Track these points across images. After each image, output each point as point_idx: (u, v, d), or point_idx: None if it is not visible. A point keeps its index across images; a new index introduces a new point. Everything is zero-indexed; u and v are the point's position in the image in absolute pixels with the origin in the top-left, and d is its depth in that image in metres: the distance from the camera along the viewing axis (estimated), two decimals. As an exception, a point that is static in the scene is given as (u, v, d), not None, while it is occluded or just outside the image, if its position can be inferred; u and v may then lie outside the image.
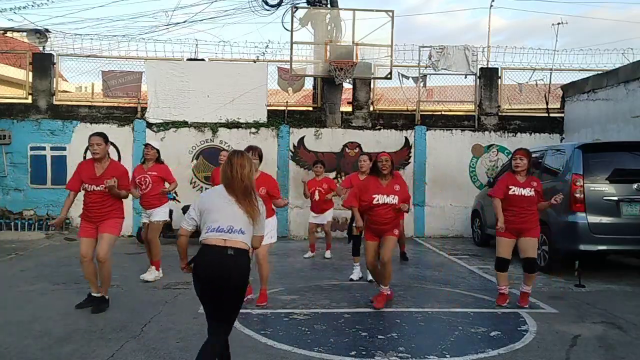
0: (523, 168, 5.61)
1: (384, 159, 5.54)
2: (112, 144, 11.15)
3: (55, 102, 11.72)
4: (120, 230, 5.62)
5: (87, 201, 5.52)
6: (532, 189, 5.56)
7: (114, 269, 6.99)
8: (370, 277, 6.82)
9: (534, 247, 5.59)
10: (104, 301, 5.40)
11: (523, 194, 5.52)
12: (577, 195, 7.00)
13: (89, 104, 12.09)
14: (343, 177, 11.44)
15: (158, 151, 6.95)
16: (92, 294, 5.43)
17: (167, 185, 6.93)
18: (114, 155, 11.26)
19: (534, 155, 8.41)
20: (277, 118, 11.88)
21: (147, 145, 7.01)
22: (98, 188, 5.41)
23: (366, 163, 7.16)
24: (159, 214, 6.84)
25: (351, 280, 6.87)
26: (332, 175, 11.51)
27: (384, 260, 5.50)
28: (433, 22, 76.00)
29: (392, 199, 5.47)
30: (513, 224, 5.56)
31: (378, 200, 5.47)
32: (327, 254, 8.65)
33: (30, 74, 11.71)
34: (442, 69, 12.05)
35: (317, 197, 8.41)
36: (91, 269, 5.40)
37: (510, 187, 5.59)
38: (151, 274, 6.78)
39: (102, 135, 5.51)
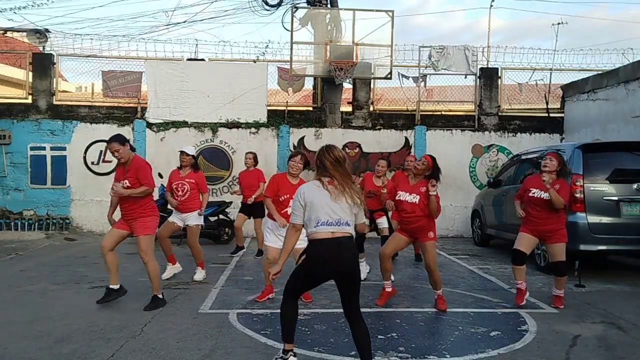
0: (551, 169, 5.53)
1: (422, 162, 5.50)
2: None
3: (55, 102, 11.74)
4: (154, 227, 5.51)
5: (120, 200, 5.46)
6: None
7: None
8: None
9: (561, 251, 5.56)
10: (155, 299, 5.43)
11: (543, 197, 5.48)
12: (577, 195, 6.99)
13: (89, 104, 12.11)
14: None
15: (194, 157, 6.87)
16: (110, 286, 5.47)
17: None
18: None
19: (534, 155, 8.48)
20: (277, 118, 11.88)
21: (181, 152, 6.82)
22: (120, 184, 5.34)
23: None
24: (195, 218, 6.79)
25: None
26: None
27: (430, 267, 5.50)
28: (430, 24, 75.96)
29: (413, 198, 5.39)
30: (534, 225, 5.59)
31: (400, 197, 5.46)
32: None
33: (30, 74, 11.72)
34: (442, 69, 12.05)
35: None
36: (110, 259, 5.40)
37: (529, 189, 5.61)
38: (200, 274, 6.83)
39: (117, 139, 5.31)
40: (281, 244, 5.49)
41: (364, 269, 6.94)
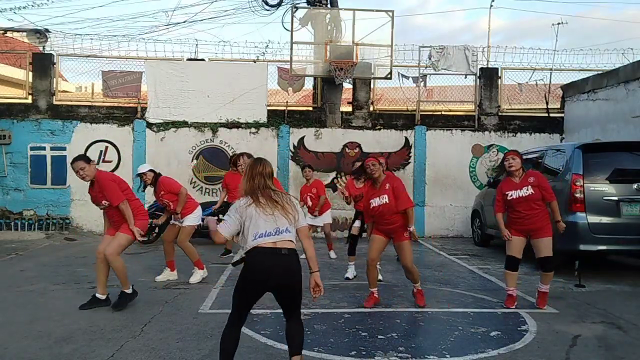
0: (517, 167, 5.58)
1: (370, 164, 5.52)
2: (112, 143, 11.33)
3: (55, 102, 11.74)
4: (141, 229, 5.48)
5: (106, 209, 5.54)
6: (529, 186, 5.48)
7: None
8: (348, 275, 6.98)
9: (547, 246, 5.53)
10: (123, 295, 5.42)
11: (521, 195, 5.49)
12: (577, 195, 6.99)
13: (89, 104, 12.11)
14: (344, 178, 11.45)
15: (152, 170, 6.69)
16: (96, 295, 5.45)
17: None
18: (114, 156, 11.31)
19: (534, 155, 8.48)
20: (277, 118, 11.89)
21: (138, 175, 6.78)
22: (101, 205, 5.46)
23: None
24: (190, 219, 6.79)
25: (347, 279, 6.91)
26: (332, 175, 11.54)
27: (407, 267, 5.52)
28: (429, 24, 76.06)
29: (382, 200, 5.42)
30: (520, 225, 5.56)
31: (373, 204, 5.50)
32: (332, 254, 8.60)
33: (30, 74, 11.72)
34: (442, 69, 12.05)
35: (309, 202, 8.35)
36: (100, 268, 5.40)
37: (506, 192, 5.59)
38: (196, 276, 6.72)
39: (81, 159, 5.34)
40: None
41: (351, 271, 7.03)
